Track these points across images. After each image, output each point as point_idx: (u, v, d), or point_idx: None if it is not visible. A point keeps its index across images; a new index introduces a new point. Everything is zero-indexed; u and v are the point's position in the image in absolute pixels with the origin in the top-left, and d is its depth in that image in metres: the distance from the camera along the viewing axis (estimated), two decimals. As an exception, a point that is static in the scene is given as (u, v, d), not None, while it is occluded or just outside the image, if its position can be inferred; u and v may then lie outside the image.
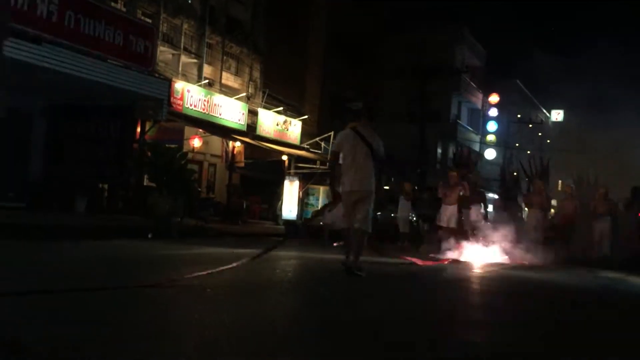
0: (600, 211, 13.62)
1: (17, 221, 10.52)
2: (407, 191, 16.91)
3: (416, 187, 20.42)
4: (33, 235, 9.33)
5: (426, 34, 35.90)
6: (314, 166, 24.41)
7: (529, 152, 34.13)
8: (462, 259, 11.82)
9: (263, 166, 23.56)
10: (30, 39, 12.20)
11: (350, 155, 6.93)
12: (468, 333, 4.12)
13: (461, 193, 13.34)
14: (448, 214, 13.40)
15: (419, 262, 9.85)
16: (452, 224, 13.22)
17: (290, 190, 22.57)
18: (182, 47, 20.53)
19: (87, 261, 7.04)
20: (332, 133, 25.83)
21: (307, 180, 24.39)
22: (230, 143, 21.90)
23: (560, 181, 33.24)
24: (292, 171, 23.63)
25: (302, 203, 23.83)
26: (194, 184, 17.69)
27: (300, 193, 23.15)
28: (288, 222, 20.79)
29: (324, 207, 13.20)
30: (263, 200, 24.79)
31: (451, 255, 12.00)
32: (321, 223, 15.17)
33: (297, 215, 22.39)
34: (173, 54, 20.34)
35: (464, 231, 13.24)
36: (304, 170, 24.09)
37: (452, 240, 12.66)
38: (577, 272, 10.93)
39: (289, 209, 22.35)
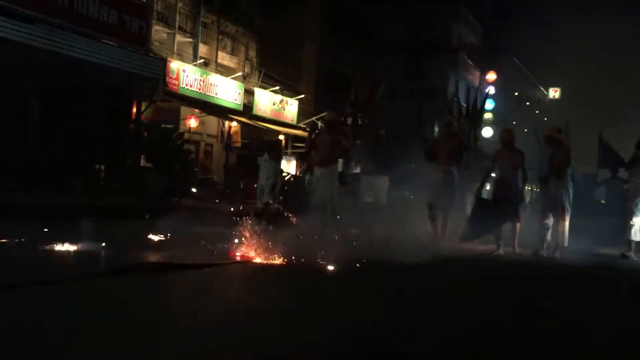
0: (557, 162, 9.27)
1: (13, 202, 10.47)
2: (273, 149, 12.52)
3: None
4: (28, 217, 9.28)
5: (422, 10, 35.65)
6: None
7: (525, 129, 34.04)
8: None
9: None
10: (23, 18, 12.07)
11: None
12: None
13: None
14: (323, 179, 8.86)
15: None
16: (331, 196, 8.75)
17: (287, 170, 22.51)
18: (177, 26, 20.31)
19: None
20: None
21: (304, 160, 24.32)
22: (227, 123, 21.82)
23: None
24: (289, 151, 23.56)
25: (300, 183, 23.80)
26: (191, 164, 17.69)
27: (298, 172, 23.10)
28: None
29: None
30: (260, 180, 24.74)
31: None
32: None
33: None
34: (168, 33, 20.14)
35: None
36: (301, 150, 24.01)
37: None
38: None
39: (286, 188, 22.31)
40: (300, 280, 5.77)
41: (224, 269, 6.05)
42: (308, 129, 9.86)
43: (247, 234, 6.69)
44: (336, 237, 7.36)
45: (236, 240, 6.71)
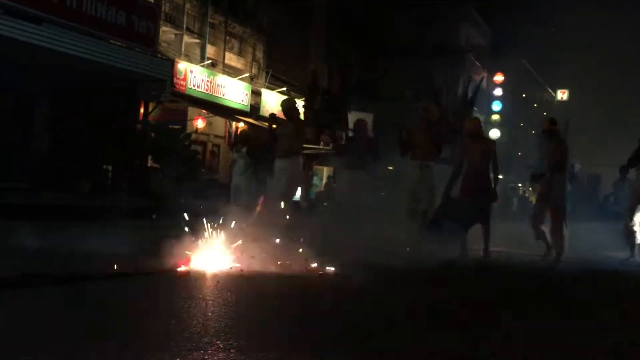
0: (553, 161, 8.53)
1: (21, 202, 10.53)
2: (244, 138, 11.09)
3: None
4: (38, 217, 9.33)
5: (431, 11, 35.63)
6: (318, 147, 24.29)
7: (533, 131, 33.98)
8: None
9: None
10: (31, 19, 12.13)
11: None
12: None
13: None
14: (283, 172, 8.27)
15: None
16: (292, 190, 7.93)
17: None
18: (184, 27, 20.37)
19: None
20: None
21: (311, 161, 24.29)
22: (234, 124, 21.85)
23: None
24: (295, 152, 23.56)
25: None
26: (198, 164, 17.73)
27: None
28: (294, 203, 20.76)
29: None
30: (267, 181, 24.75)
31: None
32: None
33: (302, 196, 22.32)
34: (175, 34, 20.20)
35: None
36: (308, 151, 23.96)
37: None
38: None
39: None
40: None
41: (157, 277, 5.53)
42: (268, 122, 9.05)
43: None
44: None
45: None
